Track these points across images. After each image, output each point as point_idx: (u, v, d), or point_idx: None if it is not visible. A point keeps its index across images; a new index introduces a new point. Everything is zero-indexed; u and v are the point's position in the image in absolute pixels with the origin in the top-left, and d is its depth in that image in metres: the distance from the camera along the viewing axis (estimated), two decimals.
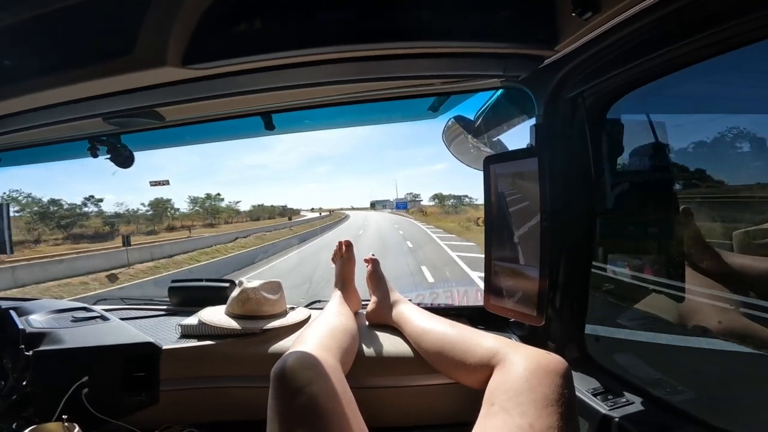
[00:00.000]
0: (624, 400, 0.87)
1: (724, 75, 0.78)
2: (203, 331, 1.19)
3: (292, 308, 1.36)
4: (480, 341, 0.91)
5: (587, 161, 0.93)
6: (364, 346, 1.11)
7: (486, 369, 0.84)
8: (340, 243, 1.41)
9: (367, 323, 1.27)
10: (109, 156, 1.21)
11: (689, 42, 0.65)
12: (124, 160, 1.21)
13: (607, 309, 1.10)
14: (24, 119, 0.99)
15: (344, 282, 1.34)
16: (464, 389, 0.93)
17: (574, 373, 0.93)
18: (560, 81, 0.91)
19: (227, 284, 1.47)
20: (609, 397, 0.88)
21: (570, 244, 0.98)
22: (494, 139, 1.27)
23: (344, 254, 1.39)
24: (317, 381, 0.77)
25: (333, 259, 1.42)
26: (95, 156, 1.22)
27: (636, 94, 0.87)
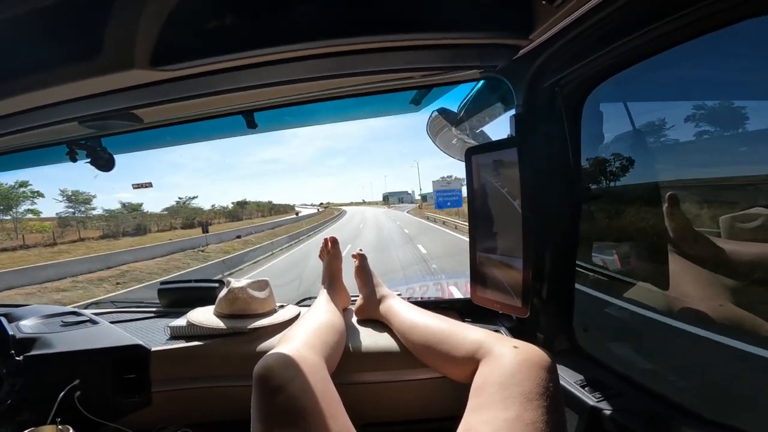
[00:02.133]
0: (613, 391, 0.87)
1: (700, 59, 0.78)
2: (192, 332, 1.19)
3: (282, 306, 1.36)
4: (466, 334, 0.91)
5: (567, 150, 0.92)
6: (353, 342, 1.12)
7: (472, 362, 0.84)
8: (326, 240, 1.41)
9: (356, 319, 1.27)
10: (89, 160, 1.20)
11: (661, 25, 0.64)
12: (104, 163, 1.20)
13: (594, 299, 1.10)
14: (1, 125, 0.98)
15: (332, 278, 1.34)
16: (452, 383, 0.93)
17: (563, 365, 0.94)
18: (537, 70, 0.90)
19: (216, 284, 1.47)
20: (598, 388, 0.88)
21: (553, 234, 0.98)
22: (477, 131, 1.26)
23: (330, 250, 1.39)
24: (296, 379, 0.77)
25: (320, 256, 1.42)
26: (74, 160, 1.22)
27: (614, 81, 0.86)
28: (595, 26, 0.73)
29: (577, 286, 1.02)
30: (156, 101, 0.94)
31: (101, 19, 0.70)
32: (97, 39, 0.71)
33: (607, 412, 0.81)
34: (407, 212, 51.25)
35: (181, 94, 0.93)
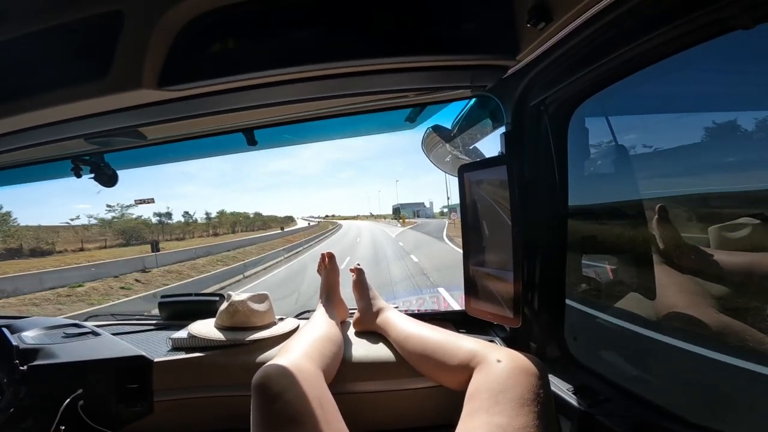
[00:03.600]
0: (604, 397, 0.89)
1: (681, 73, 0.81)
2: (193, 343, 1.22)
3: (281, 319, 1.39)
4: (460, 344, 0.94)
5: (553, 166, 0.96)
6: (351, 353, 1.14)
7: (466, 371, 0.87)
8: (323, 255, 1.45)
9: (354, 331, 1.30)
10: (92, 176, 1.23)
11: (641, 43, 0.67)
12: (108, 179, 1.23)
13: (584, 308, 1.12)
14: (6, 141, 1.01)
15: (329, 292, 1.37)
16: (448, 391, 0.95)
17: (555, 372, 0.96)
18: (524, 89, 0.94)
19: (216, 298, 1.50)
20: (589, 394, 0.90)
21: (543, 247, 1.01)
22: (470, 147, 1.30)
23: (328, 265, 1.42)
24: (293, 388, 0.80)
25: (318, 271, 1.45)
26: (79, 176, 1.25)
27: (598, 98, 0.90)
28: (578, 46, 0.76)
29: (567, 301, 1.05)
30: (160, 119, 0.98)
31: (111, 39, 0.74)
32: (107, 59, 0.75)
33: (598, 417, 0.83)
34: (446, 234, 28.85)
35: (185, 113, 0.96)
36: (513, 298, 0.96)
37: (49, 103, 0.83)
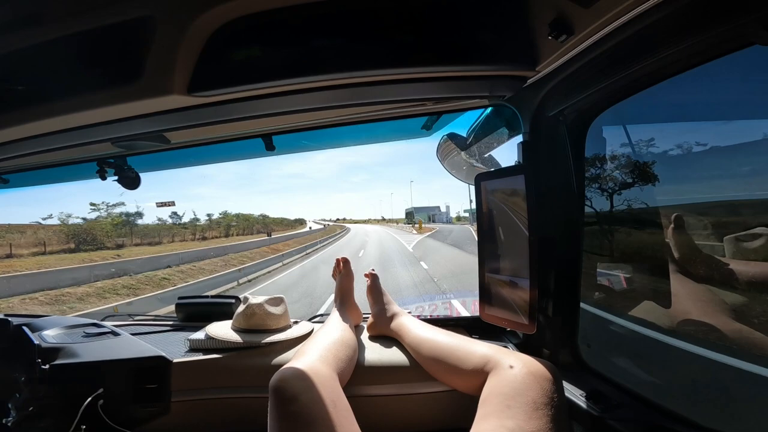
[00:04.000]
0: (616, 402, 0.89)
1: (700, 84, 0.82)
2: (210, 345, 1.24)
3: (296, 322, 1.40)
4: (474, 349, 0.95)
5: (571, 175, 0.97)
6: (364, 357, 1.15)
7: (480, 375, 0.88)
8: (338, 260, 1.48)
9: (367, 335, 1.31)
10: (116, 178, 1.26)
11: (663, 57, 0.68)
12: (130, 181, 1.26)
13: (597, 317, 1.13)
14: (36, 143, 1.04)
15: (344, 296, 1.38)
16: (461, 396, 0.97)
17: (567, 378, 0.96)
18: (543, 99, 0.96)
19: (232, 300, 1.52)
20: (602, 400, 0.91)
21: (558, 255, 1.01)
22: (485, 155, 1.32)
23: (342, 270, 1.45)
24: (310, 391, 0.82)
25: (333, 276, 1.47)
26: (104, 178, 1.28)
27: (617, 108, 0.90)
28: (598, 58, 0.77)
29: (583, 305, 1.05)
30: (185, 125, 1.00)
31: (143, 45, 0.76)
32: (139, 64, 0.77)
33: (610, 422, 0.84)
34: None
35: (209, 118, 0.99)
36: (528, 305, 0.97)
37: (81, 106, 0.85)
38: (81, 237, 27.87)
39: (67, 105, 0.86)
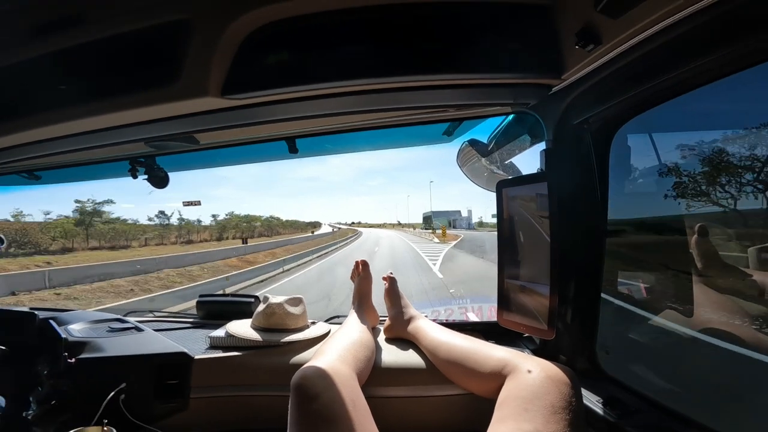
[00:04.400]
0: (634, 409, 0.89)
1: (729, 94, 0.82)
2: (230, 342, 1.26)
3: (314, 323, 1.42)
4: (492, 353, 0.96)
5: (595, 184, 0.97)
6: (381, 359, 1.17)
7: (498, 378, 0.89)
8: (357, 263, 1.50)
9: (384, 337, 1.32)
10: (146, 177, 1.30)
11: (692, 67, 0.69)
12: (159, 180, 1.30)
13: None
14: (73, 141, 1.07)
15: (362, 298, 1.40)
16: (476, 399, 0.97)
17: (584, 384, 0.96)
18: (567, 108, 0.96)
19: (252, 299, 1.54)
20: (619, 406, 0.91)
21: (580, 263, 1.02)
22: (506, 162, 1.32)
23: (361, 272, 1.47)
24: (331, 389, 0.83)
25: (351, 278, 1.49)
26: (135, 177, 1.31)
27: (643, 117, 0.90)
28: (625, 68, 0.77)
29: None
30: (216, 126, 1.03)
31: (180, 47, 0.78)
32: (176, 66, 0.80)
33: (628, 429, 0.84)
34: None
35: (238, 121, 1.00)
36: (548, 311, 0.97)
37: (118, 107, 0.88)
38: (11, 238, 24.01)
39: (105, 105, 0.88)
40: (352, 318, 1.28)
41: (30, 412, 1.10)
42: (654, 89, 0.78)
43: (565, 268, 0.97)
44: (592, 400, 0.94)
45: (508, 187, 1.10)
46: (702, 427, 0.79)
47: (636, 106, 0.87)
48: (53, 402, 1.12)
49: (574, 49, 0.78)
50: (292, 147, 1.33)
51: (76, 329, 1.37)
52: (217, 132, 1.10)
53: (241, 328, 1.29)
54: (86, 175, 1.59)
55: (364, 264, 1.48)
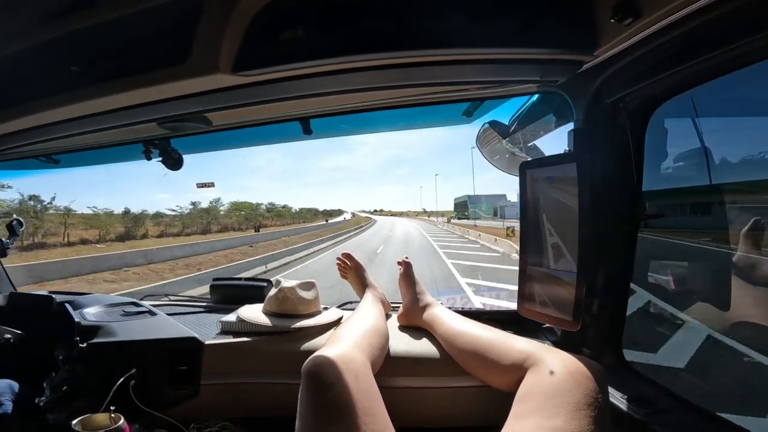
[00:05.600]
0: (661, 407, 0.85)
1: None
2: (242, 327, 1.24)
3: (326, 308, 1.40)
4: (513, 344, 0.92)
5: (629, 166, 0.91)
6: (395, 347, 1.13)
7: (519, 371, 0.85)
8: (341, 257, 1.49)
9: (397, 324, 1.29)
10: (161, 159, 1.28)
11: (736, 47, 0.63)
12: (174, 162, 1.28)
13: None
14: (85, 123, 1.06)
15: (362, 281, 1.41)
16: (492, 392, 0.94)
17: (609, 379, 0.92)
18: (600, 86, 0.90)
19: (265, 283, 1.53)
20: (645, 404, 0.86)
21: (609, 250, 0.96)
22: (529, 144, 1.26)
23: (350, 264, 1.46)
24: (344, 378, 0.80)
25: (343, 276, 1.48)
26: (149, 159, 1.30)
27: (681, 97, 0.85)
28: (665, 45, 0.72)
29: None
30: (228, 105, 1.00)
31: (191, 25, 0.75)
32: (187, 44, 0.77)
33: (655, 427, 0.80)
34: None
35: (250, 99, 0.98)
36: (574, 301, 0.93)
37: (130, 86, 0.86)
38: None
39: (117, 85, 0.87)
40: (367, 303, 1.25)
41: (42, 398, 1.10)
42: (697, 67, 0.72)
43: (594, 255, 0.92)
44: (617, 397, 0.90)
45: (532, 168, 1.04)
46: (739, 429, 0.74)
47: (677, 85, 0.81)
48: (65, 388, 1.10)
49: (610, 24, 0.72)
50: (306, 128, 1.30)
51: (90, 313, 1.36)
52: (230, 111, 1.07)
53: (253, 312, 1.27)
54: (103, 158, 1.59)
55: (348, 255, 1.49)
